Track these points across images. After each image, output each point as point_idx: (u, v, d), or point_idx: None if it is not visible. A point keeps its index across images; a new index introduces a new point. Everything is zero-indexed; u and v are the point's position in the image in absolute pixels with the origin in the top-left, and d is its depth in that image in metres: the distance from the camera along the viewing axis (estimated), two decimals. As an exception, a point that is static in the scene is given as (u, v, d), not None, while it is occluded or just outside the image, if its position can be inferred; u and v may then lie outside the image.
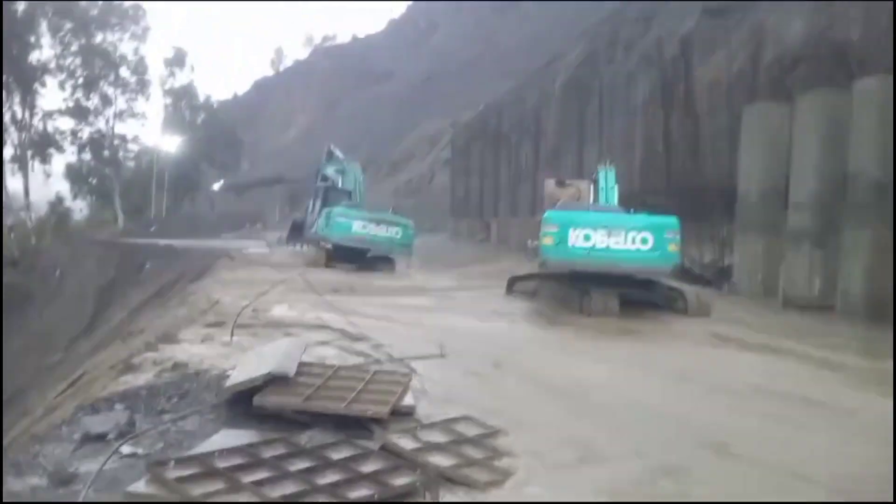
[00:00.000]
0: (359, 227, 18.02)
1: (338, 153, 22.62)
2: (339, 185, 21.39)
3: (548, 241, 11.05)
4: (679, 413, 5.70)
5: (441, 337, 8.05)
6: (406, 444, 4.26)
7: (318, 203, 20.92)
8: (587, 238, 10.93)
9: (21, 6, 48.12)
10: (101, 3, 54.64)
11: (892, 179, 11.56)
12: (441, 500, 3.64)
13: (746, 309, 12.75)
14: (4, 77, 47.60)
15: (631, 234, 10.98)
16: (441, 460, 4.07)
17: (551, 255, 11.13)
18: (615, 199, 13.30)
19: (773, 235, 13.98)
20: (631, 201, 13.97)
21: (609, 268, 11.17)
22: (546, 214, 11.58)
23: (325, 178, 22.32)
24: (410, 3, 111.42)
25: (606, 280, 11.38)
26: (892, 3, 13.30)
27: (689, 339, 9.62)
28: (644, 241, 10.97)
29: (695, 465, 4.44)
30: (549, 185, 13.40)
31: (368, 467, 3.84)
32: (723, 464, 4.53)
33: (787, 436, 5.29)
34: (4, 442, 8.39)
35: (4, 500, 3.46)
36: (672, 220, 11.37)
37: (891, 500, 3.94)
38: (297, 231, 23.92)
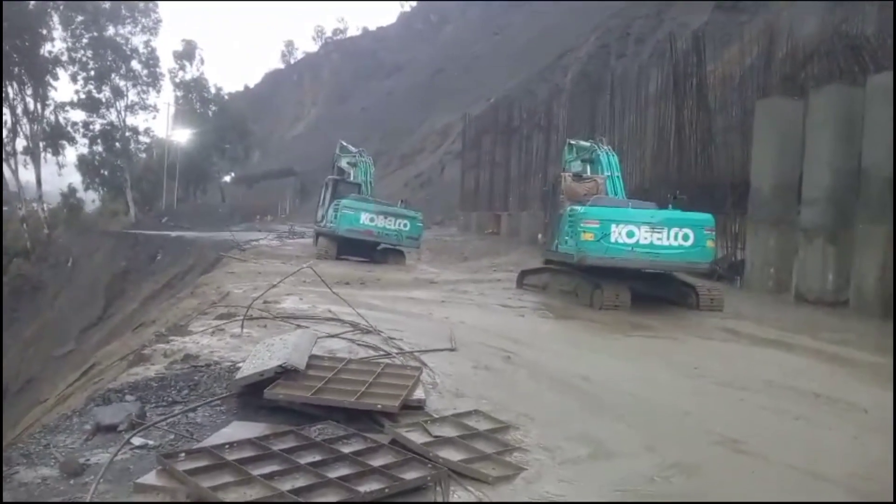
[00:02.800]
0: (366, 219, 18.06)
1: (350, 148, 22.72)
2: (352, 177, 21.39)
3: (588, 236, 10.83)
4: (691, 409, 5.66)
5: (451, 330, 8.04)
6: (416, 437, 4.24)
7: (328, 195, 20.94)
8: (630, 235, 10.81)
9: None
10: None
11: (893, 174, 11.50)
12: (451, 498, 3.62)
13: (758, 304, 12.68)
14: (17, 69, 47.82)
15: (673, 231, 10.92)
16: (451, 454, 4.05)
17: (592, 251, 10.88)
18: (623, 190, 13.18)
19: (785, 230, 13.90)
20: (640, 194, 13.87)
21: (651, 264, 11.16)
22: (583, 210, 11.34)
23: (340, 171, 22.41)
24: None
25: (620, 274, 11.33)
26: (892, 2, 13.24)
27: (701, 333, 9.58)
28: (685, 237, 10.91)
29: (707, 461, 4.41)
30: (567, 178, 13.14)
31: (378, 461, 3.82)
32: (735, 460, 4.50)
33: (799, 432, 5.25)
34: (16, 431, 8.44)
35: (4, 501, 3.44)
36: (709, 217, 11.38)
37: (891, 500, 3.89)
38: None
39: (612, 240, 10.79)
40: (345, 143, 23.32)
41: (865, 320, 11.12)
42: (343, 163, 22.54)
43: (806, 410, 5.81)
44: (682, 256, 11.01)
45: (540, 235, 15.10)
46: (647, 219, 10.98)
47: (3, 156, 47.69)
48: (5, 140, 48.05)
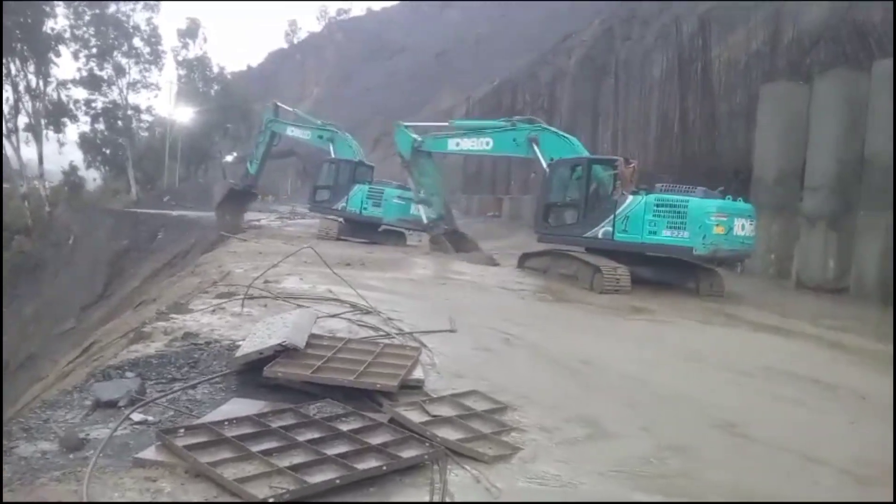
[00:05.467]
0: (416, 209, 18.20)
1: (310, 118, 22.16)
2: (332, 153, 20.63)
3: (720, 230, 10.99)
4: (689, 392, 5.68)
5: (451, 311, 8.05)
6: (414, 417, 4.26)
7: (340, 178, 20.20)
8: (744, 227, 11.24)
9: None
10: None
11: (893, 162, 11.46)
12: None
13: (759, 290, 12.70)
14: (19, 46, 47.56)
15: (755, 222, 11.56)
16: (449, 434, 4.07)
17: (725, 244, 11.05)
18: None
19: (787, 217, 13.89)
20: (643, 180, 13.76)
21: (746, 254, 11.88)
22: (708, 203, 11.27)
23: (273, 137, 21.92)
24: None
25: (625, 258, 11.39)
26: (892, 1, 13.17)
27: (701, 318, 9.59)
28: (755, 228, 11.54)
29: (704, 444, 4.43)
30: (621, 163, 12.75)
31: (377, 439, 3.84)
32: (732, 444, 4.51)
33: (797, 417, 5.27)
34: (16, 407, 8.47)
35: (4, 501, 3.44)
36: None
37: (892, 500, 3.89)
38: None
39: (735, 233, 11.11)
40: (280, 104, 22.24)
41: (865, 307, 11.15)
42: (303, 134, 21.57)
43: (804, 396, 5.83)
44: (752, 246, 11.67)
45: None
46: (748, 213, 11.46)
47: (5, 132, 47.57)
48: (7, 117, 47.88)
